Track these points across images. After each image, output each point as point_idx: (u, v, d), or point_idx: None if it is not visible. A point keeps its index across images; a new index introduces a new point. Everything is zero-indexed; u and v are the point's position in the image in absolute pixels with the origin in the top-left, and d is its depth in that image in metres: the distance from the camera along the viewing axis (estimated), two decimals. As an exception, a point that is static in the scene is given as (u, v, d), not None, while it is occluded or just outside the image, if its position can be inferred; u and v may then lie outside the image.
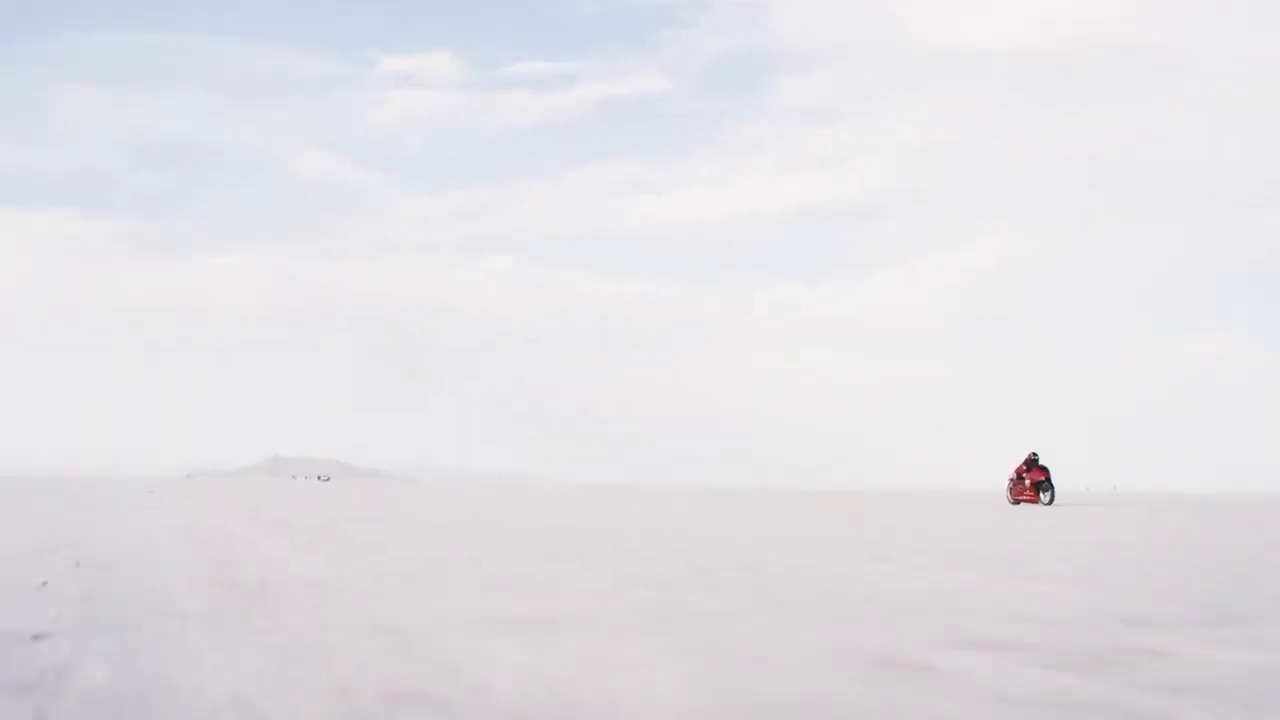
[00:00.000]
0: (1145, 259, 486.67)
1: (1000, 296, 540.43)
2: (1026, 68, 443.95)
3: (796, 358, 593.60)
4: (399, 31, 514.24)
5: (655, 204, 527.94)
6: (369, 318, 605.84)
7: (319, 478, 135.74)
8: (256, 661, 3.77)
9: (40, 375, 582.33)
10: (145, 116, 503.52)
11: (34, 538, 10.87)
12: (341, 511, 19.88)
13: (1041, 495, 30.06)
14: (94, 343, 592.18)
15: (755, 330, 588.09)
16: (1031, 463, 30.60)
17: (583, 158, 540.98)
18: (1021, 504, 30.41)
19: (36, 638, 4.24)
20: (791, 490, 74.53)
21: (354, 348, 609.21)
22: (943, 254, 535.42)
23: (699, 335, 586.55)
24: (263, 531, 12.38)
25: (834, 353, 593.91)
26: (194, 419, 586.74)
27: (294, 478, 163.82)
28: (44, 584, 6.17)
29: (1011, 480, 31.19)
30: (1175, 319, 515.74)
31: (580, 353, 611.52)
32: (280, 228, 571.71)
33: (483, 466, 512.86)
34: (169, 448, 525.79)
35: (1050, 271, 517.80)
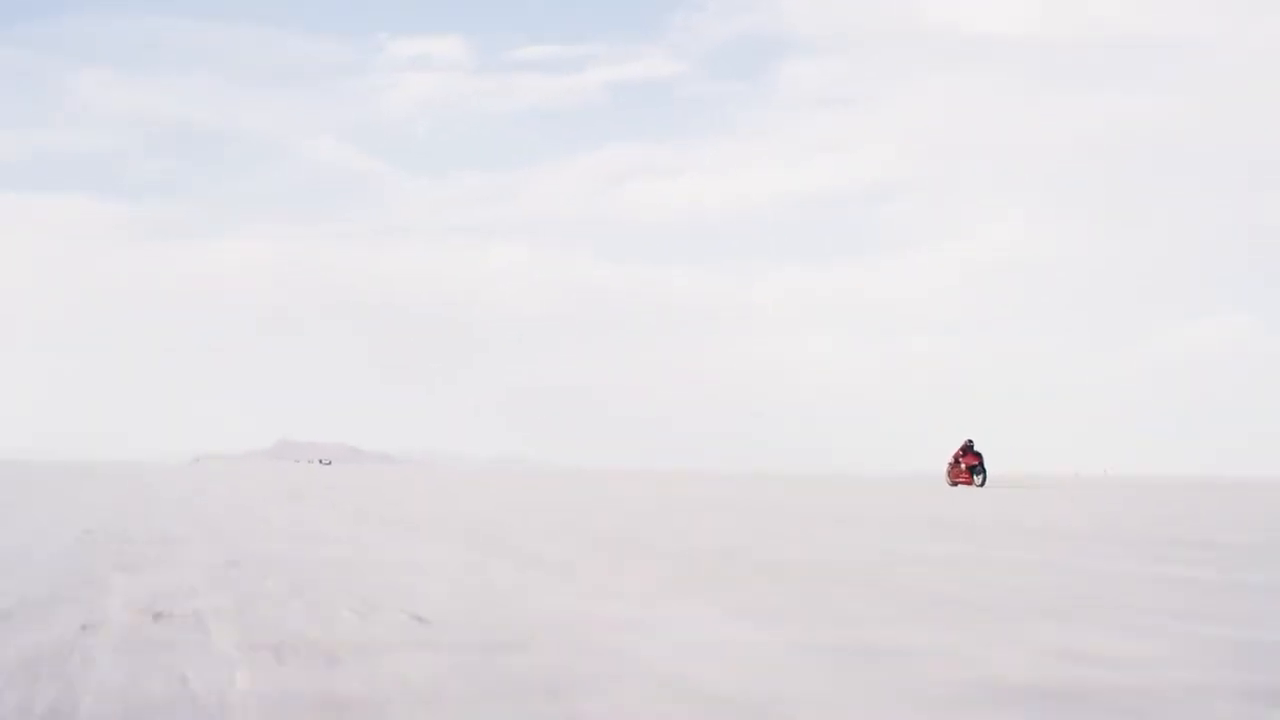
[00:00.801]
0: (1152, 245, 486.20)
1: (1008, 282, 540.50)
2: (1033, 54, 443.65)
3: (805, 343, 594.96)
4: (408, 15, 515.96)
5: (663, 189, 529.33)
6: (379, 302, 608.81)
7: (320, 461, 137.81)
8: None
9: (49, 358, 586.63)
10: (156, 101, 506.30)
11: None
12: (293, 485, 22.12)
13: (975, 478, 31.75)
14: (103, 326, 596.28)
15: (764, 315, 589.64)
16: (967, 448, 32.31)
17: (592, 142, 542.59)
18: (958, 486, 32.09)
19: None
20: (765, 475, 76.14)
21: (363, 332, 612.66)
22: (951, 240, 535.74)
23: (706, 319, 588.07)
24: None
25: (842, 338, 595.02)
26: (203, 403, 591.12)
27: (296, 462, 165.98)
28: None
29: (949, 465, 32.87)
30: (1182, 304, 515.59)
31: (590, 337, 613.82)
32: (290, 212, 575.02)
33: (493, 451, 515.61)
34: (177, 431, 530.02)
35: (1057, 257, 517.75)
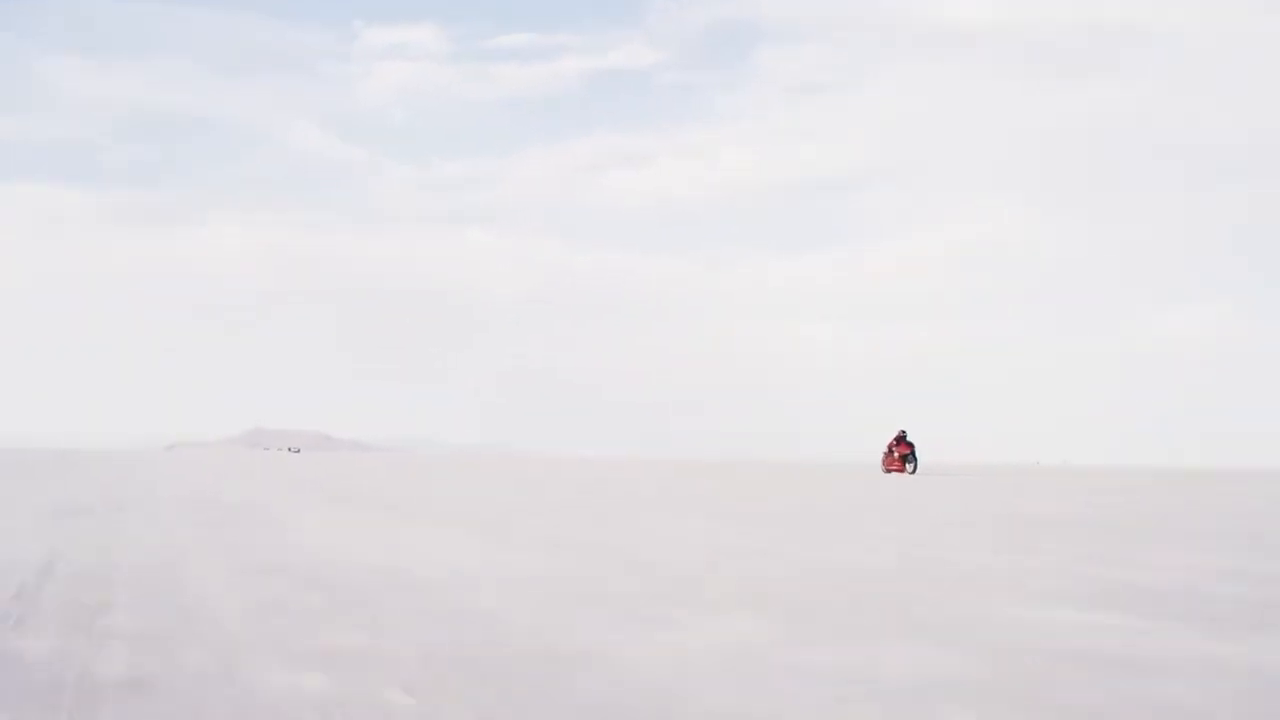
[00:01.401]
0: (1131, 232, 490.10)
1: (986, 270, 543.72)
2: (1012, 43, 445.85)
3: (781, 329, 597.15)
4: (384, 2, 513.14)
5: (640, 176, 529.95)
6: (354, 290, 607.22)
7: (289, 449, 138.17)
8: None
9: (21, 345, 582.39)
10: (131, 87, 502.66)
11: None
12: (254, 470, 23.24)
13: (907, 465, 32.90)
14: (77, 313, 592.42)
15: (740, 301, 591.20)
16: (900, 438, 33.49)
17: (569, 130, 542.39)
18: (892, 473, 33.21)
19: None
20: (723, 461, 77.18)
21: (341, 319, 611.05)
22: (929, 227, 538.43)
23: (682, 306, 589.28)
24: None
25: (818, 325, 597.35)
26: (177, 390, 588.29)
27: (265, 449, 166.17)
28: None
29: (884, 453, 33.99)
30: (1160, 292, 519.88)
31: (566, 324, 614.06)
32: (266, 200, 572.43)
33: (466, 438, 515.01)
34: (151, 418, 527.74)
35: (1036, 245, 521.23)
